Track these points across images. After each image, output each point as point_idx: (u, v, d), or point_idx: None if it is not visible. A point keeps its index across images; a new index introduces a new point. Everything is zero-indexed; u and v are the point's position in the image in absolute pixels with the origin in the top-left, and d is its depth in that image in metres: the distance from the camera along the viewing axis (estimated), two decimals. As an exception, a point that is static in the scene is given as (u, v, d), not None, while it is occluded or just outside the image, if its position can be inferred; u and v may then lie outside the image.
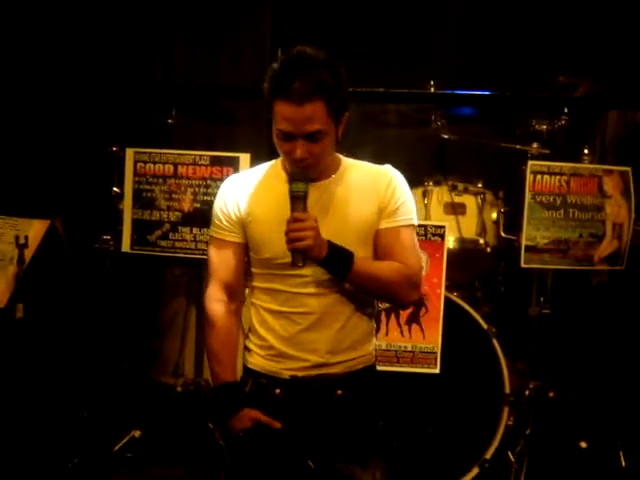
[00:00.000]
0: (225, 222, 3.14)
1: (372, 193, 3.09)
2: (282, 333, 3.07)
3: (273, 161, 3.21)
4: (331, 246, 2.93)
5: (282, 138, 2.96)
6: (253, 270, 3.16)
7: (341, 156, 3.17)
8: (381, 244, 3.08)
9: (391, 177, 3.12)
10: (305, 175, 2.96)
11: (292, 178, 2.96)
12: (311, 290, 3.05)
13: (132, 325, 5.26)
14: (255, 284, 3.16)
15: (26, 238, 4.29)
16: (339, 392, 3.06)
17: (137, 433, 4.77)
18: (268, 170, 3.20)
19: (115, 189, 4.76)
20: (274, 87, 2.94)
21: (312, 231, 2.88)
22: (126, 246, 4.68)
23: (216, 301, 3.15)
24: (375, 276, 3.02)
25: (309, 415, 3.05)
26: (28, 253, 4.33)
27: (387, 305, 4.35)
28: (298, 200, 2.92)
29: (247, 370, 3.17)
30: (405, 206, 3.11)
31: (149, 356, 5.30)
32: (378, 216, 3.08)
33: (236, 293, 3.19)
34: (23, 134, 5.34)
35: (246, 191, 3.14)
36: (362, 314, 3.12)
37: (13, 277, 4.28)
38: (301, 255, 2.88)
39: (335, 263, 2.95)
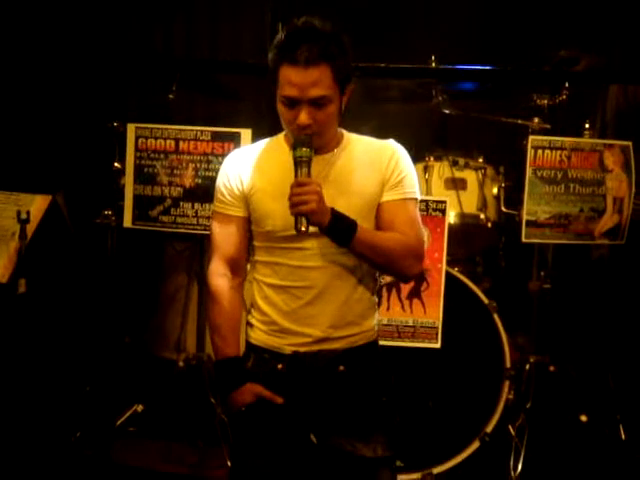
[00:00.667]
0: (228, 196, 3.14)
1: (375, 166, 3.09)
2: (284, 308, 3.08)
3: (275, 136, 3.22)
4: (334, 213, 2.92)
5: (287, 104, 2.96)
6: (255, 244, 3.17)
7: (344, 130, 3.17)
8: (383, 217, 3.08)
9: (394, 150, 3.13)
10: (309, 141, 2.95)
11: (296, 143, 2.96)
12: (313, 263, 3.05)
13: (134, 300, 5.26)
14: (257, 258, 3.17)
15: (28, 213, 4.29)
16: (341, 368, 3.07)
17: (139, 407, 4.79)
18: (270, 144, 3.21)
19: (116, 164, 4.77)
20: (280, 53, 2.95)
21: (316, 195, 2.87)
22: (128, 221, 4.68)
23: (219, 276, 3.16)
24: (377, 245, 3.01)
25: (311, 390, 3.06)
26: (30, 228, 4.33)
27: (389, 280, 4.36)
28: (302, 165, 2.93)
29: (249, 345, 3.17)
30: (407, 179, 3.11)
31: (151, 331, 5.32)
32: (380, 189, 3.09)
33: (239, 268, 3.19)
34: (24, 110, 5.34)
35: (249, 165, 3.15)
36: (364, 289, 3.13)
37: (15, 252, 4.29)
38: (304, 220, 2.87)
39: (338, 230, 2.94)
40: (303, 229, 2.87)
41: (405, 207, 3.10)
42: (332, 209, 2.92)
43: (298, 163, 2.93)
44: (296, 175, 2.93)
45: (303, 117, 2.94)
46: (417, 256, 3.10)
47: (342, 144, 3.12)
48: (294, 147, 2.96)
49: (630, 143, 4.66)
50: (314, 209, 2.86)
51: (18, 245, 4.29)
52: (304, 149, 2.94)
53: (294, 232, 2.94)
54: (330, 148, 3.10)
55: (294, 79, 2.91)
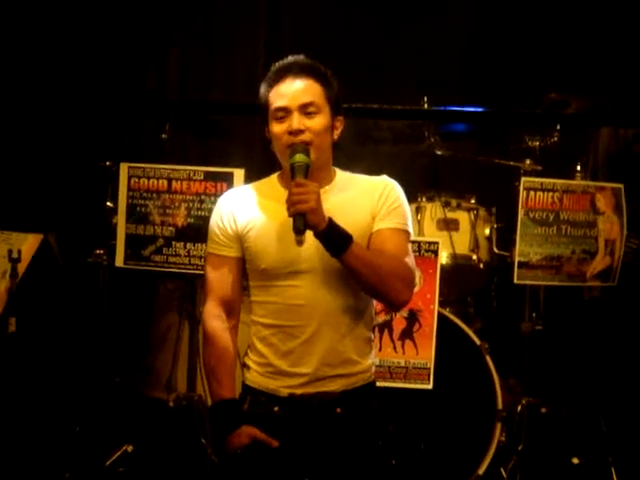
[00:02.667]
0: (222, 237, 3.15)
1: (367, 202, 3.12)
2: (281, 347, 3.07)
3: (269, 177, 3.25)
4: (331, 221, 2.93)
5: (278, 118, 3.04)
6: (250, 283, 3.17)
7: (337, 169, 3.21)
8: (374, 243, 3.08)
9: (386, 183, 3.17)
10: (306, 148, 3.00)
11: (293, 151, 3.00)
12: (308, 301, 3.05)
13: (124, 340, 5.24)
14: (253, 298, 3.17)
15: (19, 252, 4.29)
16: (338, 410, 3.06)
17: (129, 448, 4.75)
18: (264, 184, 3.24)
19: (109, 204, 4.76)
20: (270, 80, 3.09)
21: (315, 194, 2.89)
22: (120, 261, 4.67)
23: (214, 317, 3.15)
24: (370, 262, 2.99)
25: (307, 433, 3.05)
26: (21, 267, 4.32)
27: (381, 320, 4.37)
28: (299, 171, 2.96)
29: (245, 387, 3.16)
30: (399, 211, 3.13)
31: (141, 371, 5.28)
32: (372, 220, 3.10)
33: (234, 309, 3.19)
34: (17, 148, 5.34)
35: (243, 205, 3.17)
36: (360, 326, 3.12)
37: (6, 291, 4.28)
38: (302, 220, 2.87)
39: (334, 236, 2.93)
40: (301, 228, 2.87)
41: (396, 236, 3.11)
42: (329, 217, 2.93)
43: (295, 169, 2.97)
44: (293, 179, 2.95)
45: (294, 122, 3.01)
46: (407, 282, 3.09)
47: (334, 181, 3.16)
48: (291, 155, 3.00)
49: (622, 185, 4.69)
50: (313, 207, 2.87)
51: (9, 284, 4.28)
52: (301, 155, 2.98)
53: (289, 270, 3.02)
54: (324, 184, 3.11)
55: (283, 90, 3.04)
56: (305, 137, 3.02)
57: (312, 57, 3.16)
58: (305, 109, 3.03)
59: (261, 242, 3.08)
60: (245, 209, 3.15)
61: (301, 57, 3.13)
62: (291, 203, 2.88)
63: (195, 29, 6.17)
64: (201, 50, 6.19)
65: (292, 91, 3.03)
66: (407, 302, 3.17)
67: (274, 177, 3.23)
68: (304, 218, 2.87)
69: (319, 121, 3.05)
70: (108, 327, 4.97)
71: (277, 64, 3.11)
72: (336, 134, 3.13)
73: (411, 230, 3.17)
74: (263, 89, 3.10)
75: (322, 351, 3.05)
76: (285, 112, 3.03)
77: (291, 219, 2.97)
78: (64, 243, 4.86)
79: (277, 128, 3.05)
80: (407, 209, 3.17)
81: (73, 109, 5.53)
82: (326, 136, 3.09)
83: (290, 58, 3.12)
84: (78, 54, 5.67)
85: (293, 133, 3.01)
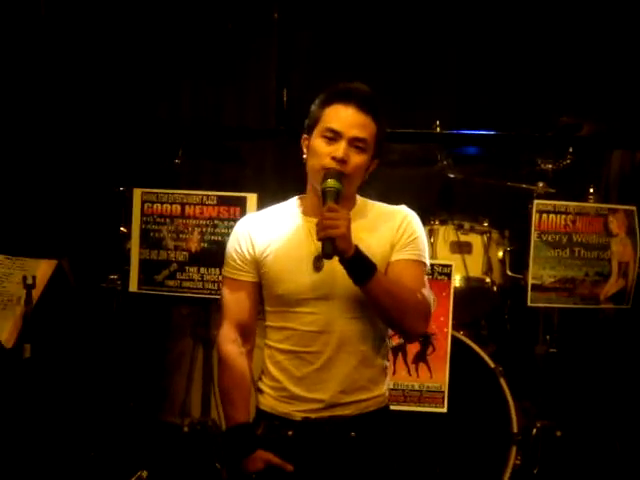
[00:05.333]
0: (239, 261, 3.17)
1: (386, 229, 3.14)
2: (295, 373, 3.08)
3: (287, 201, 3.27)
4: (357, 248, 2.94)
5: (328, 138, 3.05)
6: (267, 308, 3.19)
7: (357, 195, 3.22)
8: (391, 274, 3.09)
9: (405, 215, 3.19)
10: (339, 176, 3.01)
11: (326, 175, 3.01)
12: (324, 328, 3.06)
13: (139, 365, 5.24)
14: (268, 323, 3.18)
15: (33, 278, 4.28)
16: (352, 434, 3.06)
17: (144, 473, 4.74)
18: (282, 209, 3.25)
19: (122, 229, 4.78)
20: (334, 94, 3.10)
21: (346, 221, 2.91)
22: (133, 286, 4.69)
23: (230, 342, 3.17)
24: (393, 292, 3.01)
25: (322, 457, 3.05)
26: (35, 293, 4.32)
27: (395, 343, 4.36)
28: (330, 195, 2.98)
29: (259, 412, 3.17)
30: (417, 242, 3.15)
31: (156, 396, 5.28)
32: (390, 250, 3.12)
33: (249, 334, 3.21)
34: (31, 174, 5.36)
35: (261, 229, 3.18)
36: (375, 354, 3.13)
37: (20, 317, 4.28)
38: (331, 245, 2.89)
39: (360, 264, 2.95)
40: (329, 253, 2.89)
41: (414, 267, 3.13)
42: (356, 245, 2.94)
43: (327, 193, 2.99)
44: (324, 204, 2.97)
45: (341, 150, 3.02)
46: (425, 315, 3.11)
47: (355, 208, 3.16)
48: (324, 178, 3.01)
49: (634, 208, 4.69)
50: (344, 233, 2.89)
51: (24, 310, 4.28)
52: (334, 181, 2.99)
53: (306, 296, 3.04)
54: (347, 209, 3.11)
55: (343, 115, 3.05)
56: (345, 168, 3.02)
57: (323, 83, 3.19)
58: (355, 142, 3.04)
59: (279, 268, 3.10)
60: (263, 234, 3.16)
61: (367, 88, 3.13)
62: (322, 227, 2.90)
63: (207, 57, 6.19)
64: (213, 80, 6.21)
65: (351, 120, 3.04)
66: (423, 334, 3.20)
67: (292, 202, 3.25)
68: (333, 243, 2.89)
69: (363, 158, 3.06)
70: (122, 352, 4.99)
71: (343, 85, 3.12)
72: (367, 173, 3.15)
73: (428, 262, 3.20)
74: (321, 101, 3.12)
75: (338, 378, 3.07)
76: (336, 135, 3.04)
77: (309, 245, 3.04)
78: (78, 269, 4.86)
79: (321, 147, 3.06)
80: (425, 241, 3.20)
81: (87, 136, 5.55)
82: (361, 173, 3.11)
83: (358, 84, 3.13)
84: (93, 83, 5.69)
85: (336, 160, 3.02)
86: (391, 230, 3.13)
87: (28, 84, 5.44)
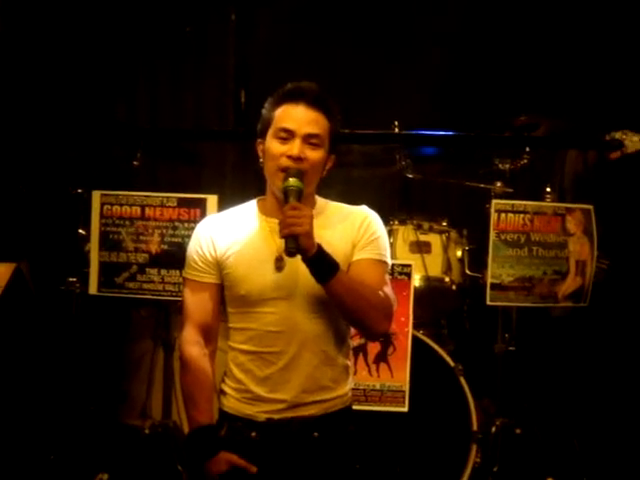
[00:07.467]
0: (201, 263, 3.16)
1: (348, 230, 3.15)
2: (258, 374, 3.08)
3: (248, 202, 3.27)
4: (320, 246, 2.96)
5: (281, 138, 3.06)
6: (229, 310, 3.18)
7: (317, 196, 3.23)
8: (353, 274, 3.09)
9: (366, 215, 3.20)
10: (300, 173, 3.02)
11: (287, 174, 3.02)
12: (285, 328, 3.07)
13: (99, 367, 5.22)
14: (230, 325, 3.18)
15: (-8, 281, 4.27)
16: (315, 434, 3.07)
17: (105, 476, 4.72)
18: (243, 210, 3.25)
19: (81, 231, 4.75)
20: (284, 95, 3.11)
21: (309, 219, 2.92)
22: (93, 288, 4.66)
23: (192, 344, 3.16)
24: (355, 290, 3.02)
25: (285, 458, 3.06)
26: (-6, 296, 4.31)
27: (356, 343, 4.37)
28: (292, 194, 2.98)
29: (222, 413, 3.17)
30: (378, 242, 3.16)
31: (116, 398, 5.27)
32: (352, 250, 3.13)
33: (211, 335, 3.20)
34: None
35: (222, 231, 3.18)
36: (337, 353, 3.14)
37: (-21, 321, 4.26)
38: (294, 243, 2.90)
39: (322, 262, 2.96)
40: (293, 250, 2.90)
41: (376, 267, 3.14)
42: (318, 243, 2.95)
43: (288, 192, 2.99)
44: (286, 203, 2.97)
45: (296, 148, 3.03)
46: (387, 314, 3.12)
47: (315, 209, 3.15)
48: (285, 178, 3.02)
49: (591, 207, 4.73)
50: (307, 231, 2.90)
51: (-18, 313, 4.26)
52: (295, 180, 3.00)
53: (268, 296, 3.05)
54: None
55: (294, 114, 3.06)
56: (302, 165, 3.04)
57: (281, 83, 3.18)
58: (309, 139, 3.05)
59: (241, 268, 3.10)
60: (224, 235, 3.16)
61: (315, 86, 3.14)
62: (285, 225, 2.90)
63: (164, 59, 6.19)
64: (171, 81, 6.21)
65: (302, 117, 3.06)
66: (385, 332, 3.21)
67: (253, 203, 3.25)
68: (296, 241, 2.90)
69: (318, 154, 3.07)
70: (82, 355, 4.96)
71: (292, 85, 3.13)
72: (325, 170, 3.16)
73: (389, 261, 3.21)
74: (271, 104, 3.13)
75: (300, 378, 3.07)
76: (289, 135, 3.05)
77: (271, 246, 3.06)
78: (37, 271, 4.85)
79: (276, 147, 3.07)
80: (386, 240, 3.21)
81: (44, 138, 5.52)
82: (319, 169, 3.12)
83: (305, 83, 3.14)
84: (49, 86, 5.66)
85: (292, 158, 3.03)
86: (352, 230, 3.15)
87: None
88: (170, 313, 4.83)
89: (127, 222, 4.63)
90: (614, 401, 5.00)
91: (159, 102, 6.25)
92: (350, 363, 3.23)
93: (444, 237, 4.98)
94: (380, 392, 4.48)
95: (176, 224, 4.58)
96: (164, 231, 4.59)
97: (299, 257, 2.94)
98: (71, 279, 4.78)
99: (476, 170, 5.12)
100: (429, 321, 5.00)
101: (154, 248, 4.60)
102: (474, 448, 4.58)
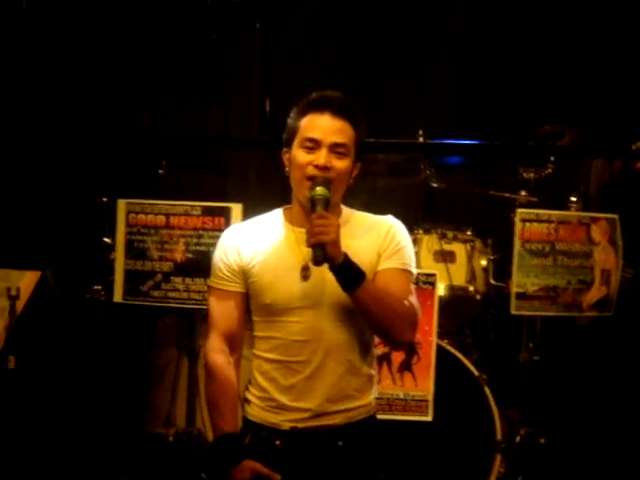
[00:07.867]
0: (226, 272, 3.17)
1: (373, 240, 3.15)
2: (283, 382, 3.09)
3: (273, 211, 3.28)
4: (347, 255, 2.96)
5: (307, 147, 3.07)
6: (254, 318, 3.19)
7: (342, 205, 3.23)
8: (379, 283, 3.10)
9: (392, 224, 3.20)
10: (327, 181, 3.03)
11: (315, 183, 3.03)
12: (310, 337, 3.07)
13: (124, 375, 5.24)
14: (256, 333, 3.19)
15: (17, 290, 4.28)
16: (340, 443, 3.07)
17: (129, 484, 4.76)
18: (269, 219, 3.26)
19: (106, 239, 4.77)
20: (309, 105, 3.12)
21: (336, 227, 2.93)
22: (118, 296, 4.68)
23: (217, 352, 3.16)
24: (381, 299, 3.03)
25: (309, 466, 3.06)
26: (20, 304, 4.32)
27: (380, 352, 4.37)
28: (319, 203, 2.99)
29: (246, 422, 3.17)
30: (403, 252, 3.17)
31: (141, 406, 5.28)
32: (377, 259, 3.14)
33: (236, 344, 3.20)
34: (13, 186, 5.35)
35: (247, 239, 3.19)
36: (362, 362, 3.14)
37: (4, 329, 4.28)
38: (321, 252, 2.91)
39: (349, 271, 2.97)
40: (319, 259, 2.91)
41: (401, 276, 3.15)
42: (345, 252, 2.96)
43: (316, 201, 3.00)
44: (313, 212, 2.98)
45: (322, 157, 3.04)
46: (412, 323, 3.13)
47: (342, 217, 3.17)
48: (312, 186, 3.03)
49: (616, 216, 4.71)
50: (334, 239, 2.91)
51: (8, 322, 4.28)
52: (322, 188, 3.01)
53: (294, 305, 3.06)
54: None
55: (320, 123, 3.07)
56: (329, 174, 3.05)
57: (306, 90, 3.19)
58: (335, 148, 3.06)
59: (266, 277, 3.11)
60: (250, 244, 3.17)
61: (340, 95, 3.15)
62: (312, 234, 2.91)
63: (189, 67, 6.21)
64: (196, 89, 6.24)
65: (328, 127, 3.06)
66: (410, 342, 3.21)
67: (278, 212, 3.26)
68: (323, 250, 2.90)
69: (345, 163, 3.08)
70: (107, 363, 4.98)
71: (316, 94, 3.15)
72: (351, 178, 3.17)
73: (414, 271, 3.21)
74: (296, 113, 3.14)
75: (325, 387, 3.08)
76: (315, 144, 3.06)
77: (297, 255, 3.07)
78: (62, 279, 4.86)
79: (302, 157, 3.08)
80: (411, 250, 3.21)
81: (71, 147, 5.54)
82: (346, 178, 3.13)
83: (330, 92, 3.15)
84: (76, 94, 5.69)
85: (319, 168, 3.04)
86: (378, 239, 3.15)
87: (10, 93, 5.43)
88: (195, 321, 4.85)
89: (152, 230, 4.64)
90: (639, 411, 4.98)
91: (184, 110, 6.28)
92: (374, 372, 3.23)
93: (468, 246, 4.97)
94: (404, 401, 4.47)
95: (201, 232, 4.59)
96: (189, 240, 4.60)
97: (325, 266, 2.95)
98: (96, 287, 4.80)
99: (501, 179, 5.12)
100: (453, 330, 4.99)
101: (179, 257, 4.61)
102: (498, 458, 4.56)
